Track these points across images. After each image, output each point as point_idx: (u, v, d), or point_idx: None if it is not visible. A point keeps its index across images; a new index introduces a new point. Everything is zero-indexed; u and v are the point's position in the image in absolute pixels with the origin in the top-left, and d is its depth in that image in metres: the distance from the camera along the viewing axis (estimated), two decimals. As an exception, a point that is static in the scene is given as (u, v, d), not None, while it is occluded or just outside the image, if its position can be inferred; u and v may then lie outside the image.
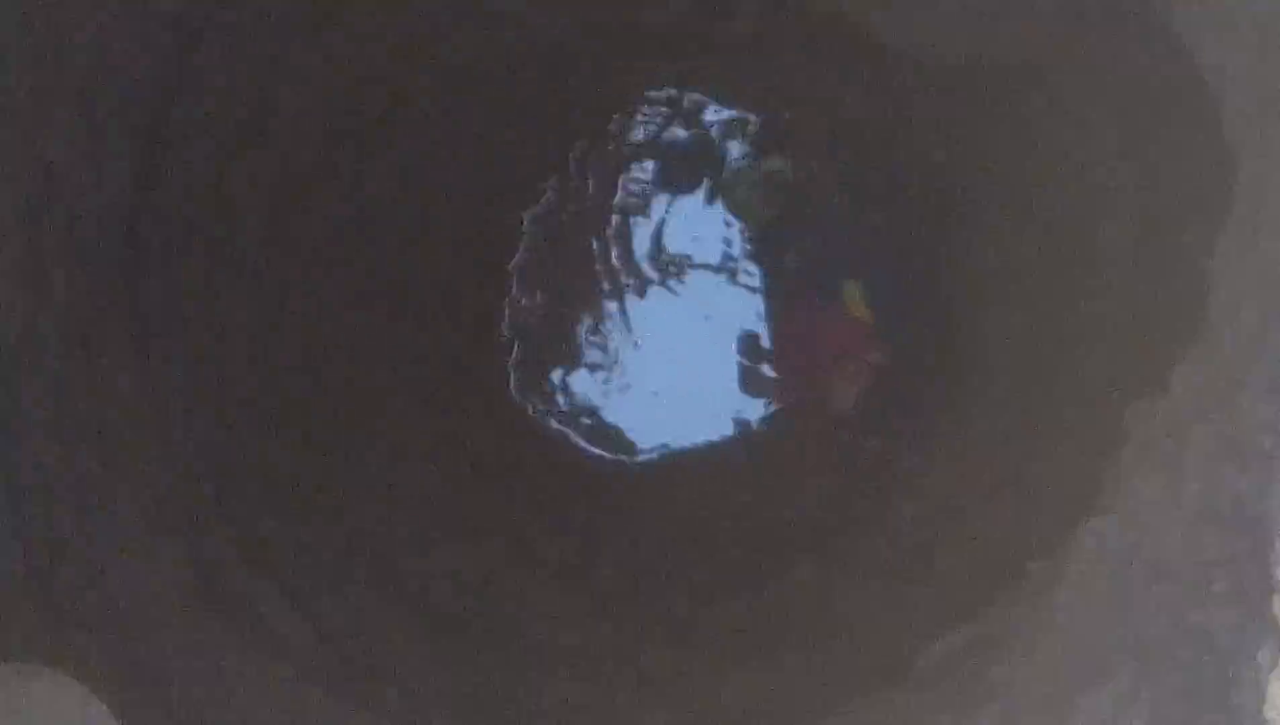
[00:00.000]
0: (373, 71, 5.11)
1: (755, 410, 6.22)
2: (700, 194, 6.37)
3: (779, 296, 6.07)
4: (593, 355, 6.33)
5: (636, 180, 6.45)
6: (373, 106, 5.21)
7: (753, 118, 6.33)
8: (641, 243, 6.46)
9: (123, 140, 4.12)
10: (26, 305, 3.66)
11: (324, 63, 4.91)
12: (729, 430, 6.12)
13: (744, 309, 6.27)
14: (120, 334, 4.14)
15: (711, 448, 6.17)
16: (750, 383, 6.19)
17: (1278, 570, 2.36)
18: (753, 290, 6.27)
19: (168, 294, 4.40)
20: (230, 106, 4.60)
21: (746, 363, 6.17)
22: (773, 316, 6.14)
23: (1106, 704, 2.81)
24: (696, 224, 6.33)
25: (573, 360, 6.29)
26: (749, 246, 6.28)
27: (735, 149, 6.42)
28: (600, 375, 6.27)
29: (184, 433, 4.35)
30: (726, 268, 6.37)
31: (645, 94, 6.21)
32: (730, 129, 6.42)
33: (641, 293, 6.39)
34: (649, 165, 6.46)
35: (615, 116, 6.26)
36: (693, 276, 6.42)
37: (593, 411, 6.23)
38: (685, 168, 6.51)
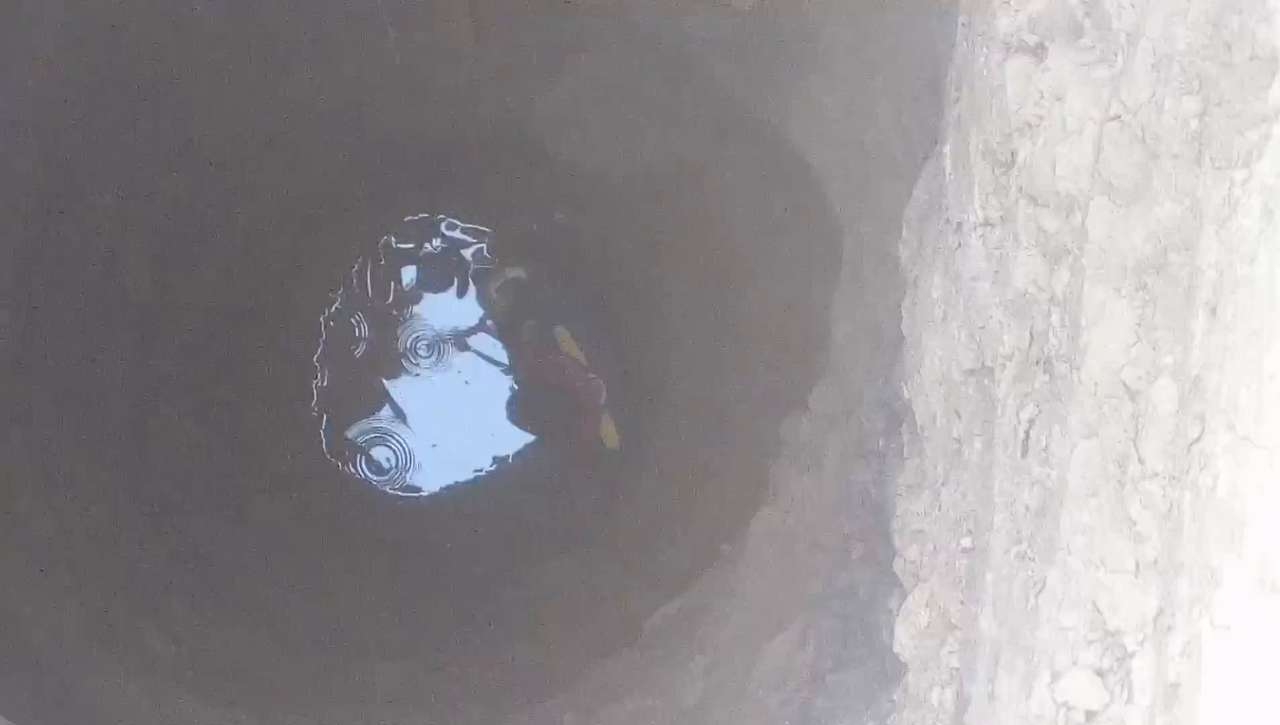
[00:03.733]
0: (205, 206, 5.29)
1: (512, 445, 6.58)
2: (454, 292, 6.69)
3: (520, 354, 6.49)
4: (384, 420, 6.66)
5: (404, 285, 6.74)
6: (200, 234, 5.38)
7: (488, 230, 6.65)
8: (411, 331, 6.78)
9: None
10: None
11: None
12: (490, 465, 6.54)
13: (492, 372, 6.68)
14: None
15: (479, 477, 6.54)
16: (517, 418, 6.51)
17: (896, 539, 2.57)
18: (496, 359, 6.67)
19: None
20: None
21: (514, 404, 6.53)
22: (515, 368, 6.56)
23: (782, 648, 3.00)
24: (452, 315, 6.67)
25: (368, 425, 6.65)
26: (491, 325, 6.64)
27: (477, 256, 6.72)
28: (391, 436, 6.65)
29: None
30: (477, 344, 6.70)
31: (404, 219, 6.58)
32: (473, 241, 6.75)
33: (415, 370, 6.72)
34: (412, 273, 6.72)
35: (383, 237, 6.61)
36: (452, 354, 6.72)
37: (386, 462, 6.61)
38: (441, 274, 6.71)
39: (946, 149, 2.29)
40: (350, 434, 6.56)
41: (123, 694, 3.96)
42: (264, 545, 5.58)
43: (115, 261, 4.82)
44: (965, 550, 2.14)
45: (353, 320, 6.61)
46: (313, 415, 6.41)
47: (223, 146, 5.19)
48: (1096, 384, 1.71)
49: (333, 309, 6.42)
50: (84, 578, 4.28)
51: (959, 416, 2.26)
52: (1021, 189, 1.77)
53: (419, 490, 6.45)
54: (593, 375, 6.16)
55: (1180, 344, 1.61)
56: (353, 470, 6.49)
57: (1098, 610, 1.68)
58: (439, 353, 6.68)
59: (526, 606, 5.19)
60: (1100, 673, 1.68)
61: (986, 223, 1.87)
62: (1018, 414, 1.88)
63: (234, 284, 5.66)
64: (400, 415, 6.56)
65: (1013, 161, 1.80)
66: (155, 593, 4.59)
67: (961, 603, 2.15)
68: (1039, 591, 1.71)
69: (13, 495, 4.10)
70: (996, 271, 1.94)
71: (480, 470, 6.49)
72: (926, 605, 2.17)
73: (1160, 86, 1.57)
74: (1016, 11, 1.79)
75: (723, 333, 4.87)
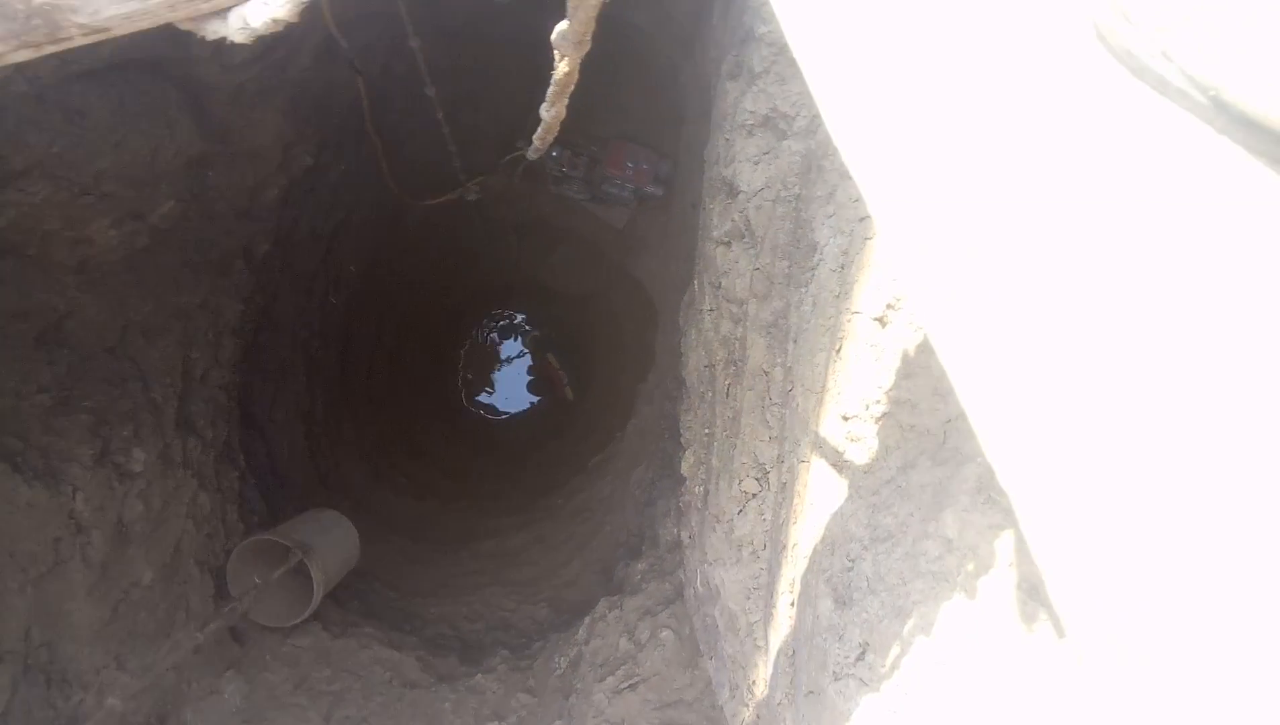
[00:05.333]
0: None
1: (531, 398, 12.86)
2: (516, 341, 13.12)
3: (537, 363, 12.62)
4: (483, 387, 13.05)
5: (491, 335, 13.12)
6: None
7: (525, 315, 12.90)
8: (494, 356, 13.19)
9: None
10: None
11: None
12: (524, 405, 12.89)
13: (524, 369, 12.99)
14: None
15: (520, 410, 12.78)
16: (534, 388, 12.73)
17: (682, 431, 4.16)
18: (529, 362, 12.94)
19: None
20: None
21: (532, 382, 12.76)
22: (534, 368, 12.77)
23: (639, 473, 5.17)
24: (511, 348, 13.21)
25: (481, 389, 13.00)
26: (529, 353, 12.82)
27: (520, 325, 13.05)
28: (488, 391, 13.05)
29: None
30: (524, 359, 12.94)
31: (491, 311, 12.76)
32: (519, 319, 13.04)
33: (499, 367, 13.16)
34: (496, 333, 13.14)
35: (485, 316, 12.77)
36: (516, 361, 13.10)
37: (489, 406, 12.96)
38: (509, 332, 13.05)
39: (695, 283, 3.80)
40: (472, 394, 12.80)
41: (384, 501, 7.22)
42: (435, 443, 10.05)
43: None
44: (706, 436, 3.45)
45: (470, 348, 12.82)
46: (457, 385, 12.58)
47: (431, 267, 9.20)
48: (752, 370, 2.90)
49: (466, 345, 12.72)
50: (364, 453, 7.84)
51: (701, 382, 3.62)
52: (721, 296, 3.32)
53: (499, 414, 12.86)
54: (562, 372, 11.96)
55: (784, 353, 2.76)
56: (471, 407, 12.76)
57: (755, 454, 2.88)
58: (507, 361, 13.02)
59: (540, 458, 9.49)
60: (756, 480, 2.90)
61: (711, 309, 3.43)
62: (723, 382, 3.23)
63: (425, 320, 10.54)
64: (491, 384, 12.96)
65: (719, 283, 3.37)
66: (389, 460, 8.29)
67: (702, 461, 3.53)
68: (733, 449, 2.96)
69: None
70: (713, 327, 3.45)
71: (520, 408, 12.80)
72: (691, 457, 3.69)
73: (773, 255, 3.17)
74: (721, 226, 3.33)
75: (617, 351, 8.92)
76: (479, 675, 4.33)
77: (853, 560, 1.87)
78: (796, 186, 2.77)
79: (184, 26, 1.31)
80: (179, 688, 4.08)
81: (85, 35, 1.30)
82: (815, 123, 2.71)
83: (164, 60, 3.73)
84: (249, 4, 1.26)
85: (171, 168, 4.00)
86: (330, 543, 4.93)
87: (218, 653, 4.32)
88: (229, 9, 1.28)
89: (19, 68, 2.96)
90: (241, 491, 5.15)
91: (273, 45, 4.01)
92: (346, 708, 4.14)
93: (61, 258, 3.79)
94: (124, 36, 1.34)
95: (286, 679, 4.30)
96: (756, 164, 2.95)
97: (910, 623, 1.57)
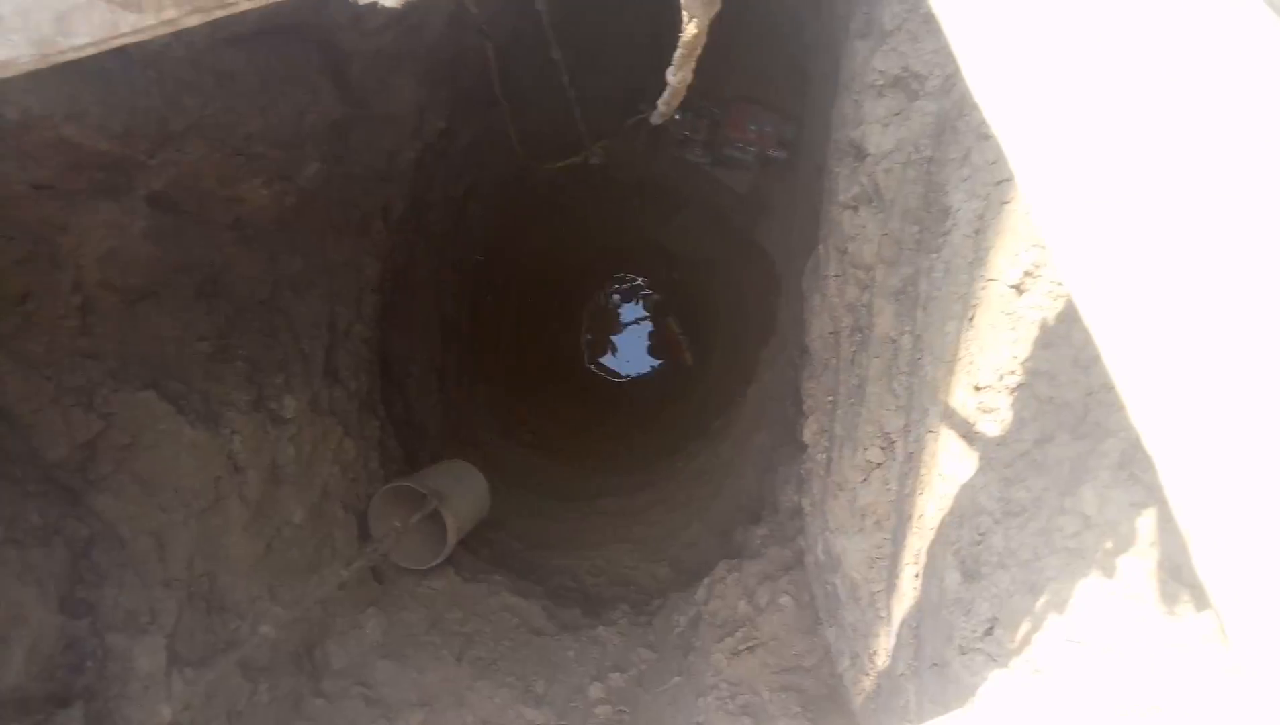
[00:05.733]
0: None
1: (653, 362, 13.13)
2: (637, 305, 13.52)
3: (657, 327, 13.02)
4: (605, 349, 13.43)
5: (614, 297, 13.48)
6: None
7: (647, 278, 13.06)
8: (616, 319, 13.50)
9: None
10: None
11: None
12: (646, 368, 13.23)
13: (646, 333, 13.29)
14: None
15: (642, 372, 13.16)
16: (656, 354, 12.97)
17: (804, 399, 4.15)
18: (649, 326, 13.27)
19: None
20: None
21: (653, 346, 13.08)
22: (655, 332, 13.15)
23: (760, 438, 5.26)
24: (632, 311, 13.55)
25: (603, 351, 13.40)
26: (649, 315, 13.26)
27: (643, 289, 13.28)
28: (609, 356, 13.38)
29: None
30: (644, 324, 13.28)
31: (614, 274, 13.05)
32: (643, 284, 13.21)
33: (620, 330, 13.49)
34: (618, 296, 13.46)
35: (608, 279, 13.14)
36: (636, 324, 13.45)
37: (610, 368, 13.34)
38: (631, 295, 13.42)
39: (819, 249, 3.73)
40: (594, 355, 13.26)
41: (512, 456, 7.59)
42: (559, 402, 10.55)
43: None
44: (829, 403, 3.42)
45: (593, 310, 13.21)
46: (579, 347, 13.14)
47: (555, 230, 9.55)
48: (878, 337, 2.85)
49: (588, 308, 13.10)
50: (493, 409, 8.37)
51: (825, 349, 3.58)
52: (846, 262, 3.15)
53: (619, 376, 13.28)
54: (683, 335, 12.31)
55: (912, 320, 2.67)
56: (593, 368, 13.24)
57: (880, 423, 2.83)
58: (628, 322, 13.38)
59: (662, 421, 9.80)
60: (881, 449, 2.85)
61: (836, 275, 3.38)
62: (848, 349, 3.19)
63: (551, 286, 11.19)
64: (612, 347, 13.36)
65: (845, 249, 3.25)
66: (515, 417, 8.82)
67: (824, 428, 3.48)
68: (858, 417, 2.93)
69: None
70: (838, 293, 3.33)
71: (640, 370, 13.18)
72: (814, 424, 3.67)
73: (902, 219, 3.09)
74: (848, 190, 3.15)
75: (738, 317, 8.67)
76: (600, 628, 4.46)
77: (982, 533, 1.83)
78: (928, 149, 2.68)
79: (338, -4, 1.37)
80: (325, 621, 4.36)
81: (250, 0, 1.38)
82: (949, 82, 2.60)
83: (305, 26, 3.90)
84: (398, -28, 1.31)
85: (315, 131, 4.20)
86: (463, 492, 5.15)
87: (360, 590, 4.60)
88: (379, -23, 1.33)
89: (177, 34, 3.16)
90: (382, 440, 5.43)
91: (407, 12, 4.13)
92: (477, 649, 4.34)
93: (218, 215, 4.05)
94: (276, 1, 1.42)
95: (422, 618, 4.54)
96: (886, 126, 2.86)
97: (1043, 599, 1.53)
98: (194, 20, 1.39)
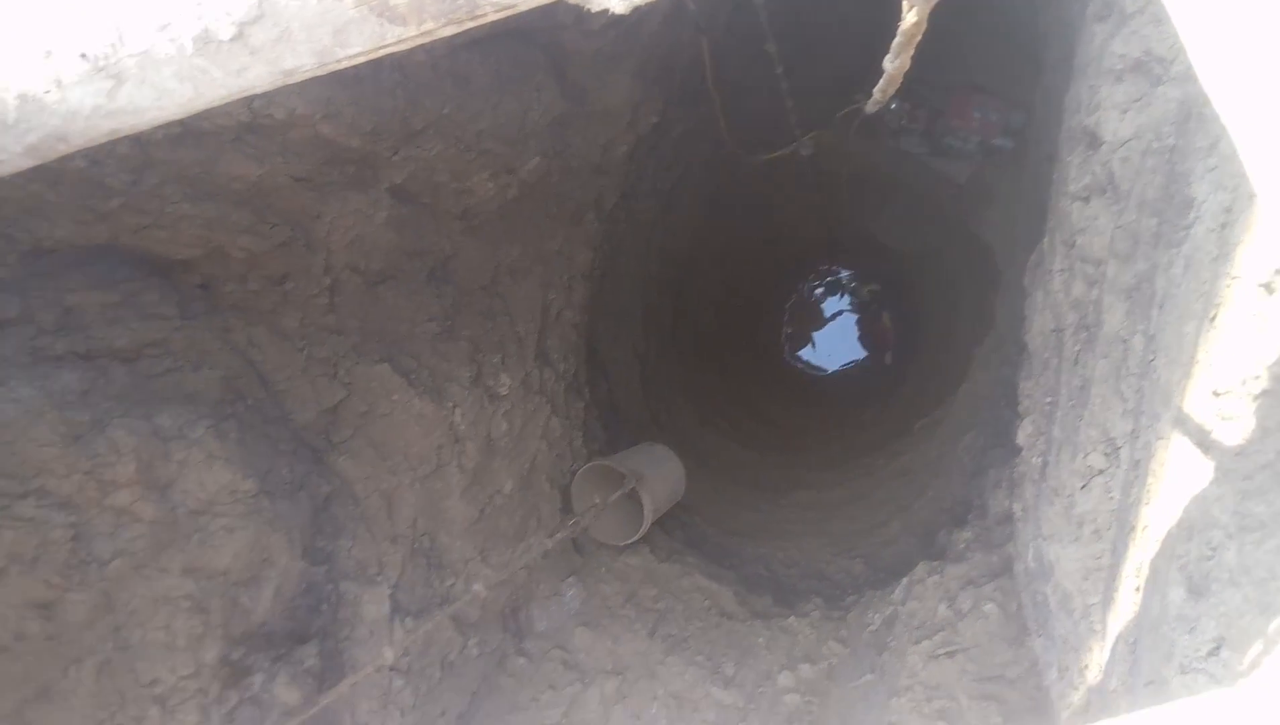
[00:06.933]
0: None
1: (860, 354, 13.53)
2: (843, 298, 13.67)
3: (869, 320, 13.24)
4: (804, 343, 13.64)
5: (817, 290, 13.62)
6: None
7: (855, 271, 13.11)
8: (817, 313, 13.71)
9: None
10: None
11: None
12: (849, 362, 13.59)
13: (852, 326, 13.60)
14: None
15: (846, 367, 13.64)
16: (865, 345, 13.35)
17: (1021, 401, 3.94)
18: (855, 320, 13.57)
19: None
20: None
21: (864, 339, 13.43)
22: (864, 326, 13.40)
23: (969, 439, 4.92)
24: (837, 305, 13.79)
25: (802, 344, 13.71)
26: (855, 310, 13.55)
27: (850, 282, 13.44)
28: (808, 350, 13.72)
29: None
30: (842, 318, 13.70)
31: (816, 267, 13.20)
32: (849, 277, 13.34)
33: (822, 325, 13.82)
34: (821, 289, 13.65)
35: (812, 272, 13.31)
36: (840, 318, 13.72)
37: (808, 362, 13.69)
38: (835, 288, 13.65)
39: (1044, 242, 3.56)
40: (795, 347, 13.52)
41: (708, 443, 7.79)
42: (756, 394, 10.56)
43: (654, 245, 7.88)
44: (1047, 405, 3.24)
45: (795, 303, 13.38)
46: (780, 339, 13.38)
47: (761, 221, 9.83)
48: (1106, 336, 2.66)
49: (791, 300, 13.37)
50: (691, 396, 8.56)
51: (1045, 348, 3.38)
52: (1074, 256, 3.01)
53: (817, 371, 13.58)
54: (893, 333, 12.46)
55: (1146, 319, 2.45)
56: (792, 362, 13.53)
57: (1105, 427, 2.65)
58: (833, 316, 13.50)
59: (861, 417, 9.72)
60: (1104, 455, 2.65)
61: (1062, 270, 3.20)
62: (1072, 348, 3.00)
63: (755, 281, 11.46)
64: (812, 341, 13.57)
65: (1074, 242, 3.08)
66: (712, 405, 8.88)
67: (1041, 431, 3.30)
68: (1079, 420, 2.77)
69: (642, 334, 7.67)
70: (1063, 289, 3.16)
71: (838, 366, 13.54)
72: (1029, 426, 3.49)
73: (1139, 211, 2.88)
74: (1079, 180, 2.98)
75: (950, 313, 8.35)
76: (792, 618, 4.48)
77: (1214, 548, 1.71)
78: (1171, 137, 2.49)
79: (574, 0, 1.48)
80: (529, 585, 4.66)
81: (497, 11, 1.52)
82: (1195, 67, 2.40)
83: (533, 30, 4.14)
84: (631, -24, 1.40)
85: (538, 127, 4.45)
86: (660, 474, 5.32)
87: (562, 560, 4.87)
88: (613, -18, 1.43)
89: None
90: (586, 420, 5.70)
91: (629, 13, 4.28)
92: (669, 626, 4.49)
93: (449, 206, 4.38)
94: (518, 11, 1.55)
95: (618, 592, 4.74)
96: (1124, 112, 2.68)
97: (1277, 621, 1.42)
98: (449, 31, 1.54)
